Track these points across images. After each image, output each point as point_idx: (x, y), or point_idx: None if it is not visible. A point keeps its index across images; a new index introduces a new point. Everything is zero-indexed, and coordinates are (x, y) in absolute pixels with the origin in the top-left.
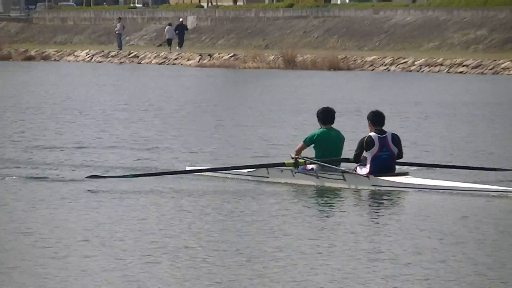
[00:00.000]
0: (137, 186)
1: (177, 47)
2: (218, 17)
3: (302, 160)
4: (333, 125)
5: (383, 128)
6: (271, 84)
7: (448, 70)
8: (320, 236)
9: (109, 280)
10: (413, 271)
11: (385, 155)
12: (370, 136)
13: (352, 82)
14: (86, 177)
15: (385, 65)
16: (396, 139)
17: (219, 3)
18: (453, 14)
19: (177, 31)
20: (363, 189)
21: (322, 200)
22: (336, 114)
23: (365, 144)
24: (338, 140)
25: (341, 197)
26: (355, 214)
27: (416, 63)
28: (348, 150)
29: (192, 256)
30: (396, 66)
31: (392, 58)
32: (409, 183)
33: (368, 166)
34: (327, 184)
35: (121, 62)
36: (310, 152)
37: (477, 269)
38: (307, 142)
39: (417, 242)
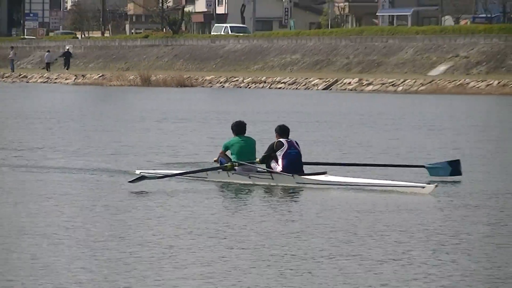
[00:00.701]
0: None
1: (65, 68)
2: (89, 46)
3: (229, 164)
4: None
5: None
6: (132, 98)
7: (269, 86)
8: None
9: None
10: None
11: (294, 152)
12: (279, 140)
13: (195, 95)
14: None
15: (220, 83)
16: (297, 143)
17: (90, 35)
18: (273, 42)
19: (64, 57)
20: (289, 186)
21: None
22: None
23: (275, 146)
24: (250, 144)
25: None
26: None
27: (245, 81)
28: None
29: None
30: (229, 83)
31: (226, 77)
32: (328, 181)
33: (280, 162)
34: (258, 182)
35: (13, 81)
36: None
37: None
38: (223, 149)
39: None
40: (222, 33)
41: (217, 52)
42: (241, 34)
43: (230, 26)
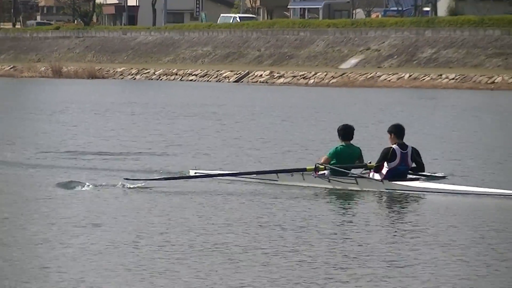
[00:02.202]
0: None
1: None
2: (0, 37)
3: (322, 167)
4: None
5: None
6: (42, 90)
7: (181, 79)
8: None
9: None
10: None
11: (403, 169)
12: (393, 150)
13: (106, 87)
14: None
15: (132, 75)
16: (415, 152)
17: (1, 26)
18: (185, 35)
19: None
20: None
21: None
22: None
23: (390, 155)
24: (354, 155)
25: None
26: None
27: (156, 73)
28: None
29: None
30: (141, 75)
31: (137, 69)
32: (428, 188)
33: (384, 172)
34: (337, 186)
35: None
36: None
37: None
38: (331, 156)
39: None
40: (231, 22)
41: (129, 44)
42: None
43: (239, 16)
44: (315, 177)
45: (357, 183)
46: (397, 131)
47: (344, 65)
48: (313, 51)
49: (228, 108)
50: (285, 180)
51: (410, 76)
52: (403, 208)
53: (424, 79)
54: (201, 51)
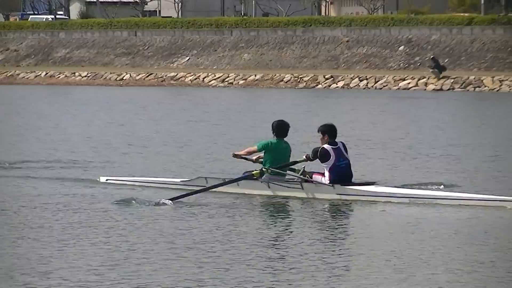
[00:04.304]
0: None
1: None
2: None
3: (264, 169)
4: None
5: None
6: None
7: None
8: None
9: None
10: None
11: (343, 164)
12: (324, 149)
13: None
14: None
15: None
16: (345, 147)
17: None
18: None
19: None
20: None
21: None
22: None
23: (320, 155)
24: (287, 151)
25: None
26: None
27: None
28: None
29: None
30: None
31: None
32: (379, 192)
33: (326, 175)
34: (280, 193)
35: None
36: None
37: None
38: (260, 148)
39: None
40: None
41: None
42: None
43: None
44: (261, 181)
45: (302, 188)
46: (331, 132)
47: None
48: None
49: None
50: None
51: (46, 74)
52: (366, 219)
53: (59, 77)
54: None
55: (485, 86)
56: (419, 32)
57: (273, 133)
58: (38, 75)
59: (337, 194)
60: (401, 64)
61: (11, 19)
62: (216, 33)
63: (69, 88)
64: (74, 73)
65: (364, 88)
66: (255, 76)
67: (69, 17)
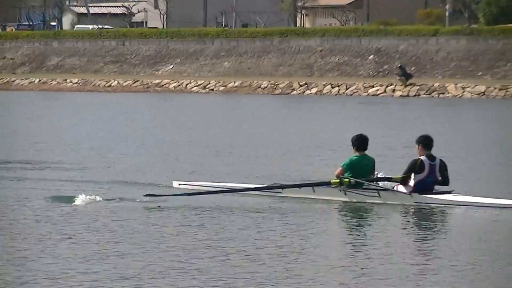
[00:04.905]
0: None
1: None
2: None
3: (347, 180)
4: None
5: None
6: None
7: None
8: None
9: None
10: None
11: (430, 181)
12: (422, 161)
13: None
14: (143, 195)
15: None
16: (442, 165)
17: None
18: None
19: None
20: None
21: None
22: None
23: (418, 166)
24: (369, 167)
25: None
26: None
27: None
28: None
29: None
30: None
31: None
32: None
33: (411, 184)
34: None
35: None
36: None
37: None
38: (345, 168)
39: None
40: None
41: None
42: None
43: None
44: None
45: (379, 196)
46: (425, 142)
47: None
48: None
49: None
50: (290, 192)
51: (39, 80)
52: (441, 224)
53: (52, 83)
54: None
55: (449, 93)
56: (388, 42)
57: (353, 147)
58: (32, 82)
59: (415, 202)
60: (371, 72)
61: (8, 29)
62: (199, 42)
63: (61, 94)
64: (66, 79)
65: (335, 95)
66: (235, 83)
67: (62, 28)
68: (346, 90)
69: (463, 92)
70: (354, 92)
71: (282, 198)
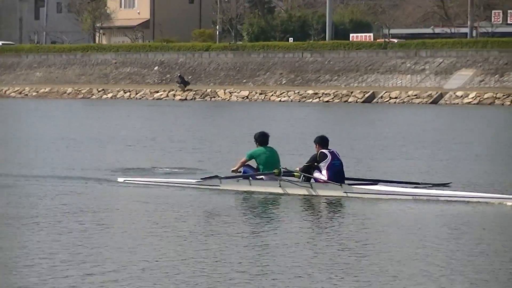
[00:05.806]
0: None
1: None
2: None
3: (277, 170)
4: None
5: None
6: None
7: None
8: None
9: None
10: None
11: (337, 163)
12: (322, 151)
13: None
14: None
15: None
16: (339, 155)
17: None
18: None
19: None
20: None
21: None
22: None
23: (318, 157)
24: (274, 154)
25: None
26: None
27: None
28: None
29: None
30: None
31: None
32: (381, 191)
33: (324, 173)
34: (291, 191)
35: None
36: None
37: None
38: (249, 157)
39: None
40: None
41: None
42: None
43: None
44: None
45: (311, 187)
46: (321, 142)
47: None
48: None
49: None
50: (228, 185)
51: None
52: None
53: None
54: None
55: (219, 97)
56: (170, 56)
57: (256, 143)
58: None
59: (344, 192)
60: (156, 80)
61: None
62: (15, 56)
63: None
64: None
65: (127, 99)
66: (45, 89)
67: None
68: (136, 95)
69: (231, 96)
70: (143, 97)
71: (220, 191)
